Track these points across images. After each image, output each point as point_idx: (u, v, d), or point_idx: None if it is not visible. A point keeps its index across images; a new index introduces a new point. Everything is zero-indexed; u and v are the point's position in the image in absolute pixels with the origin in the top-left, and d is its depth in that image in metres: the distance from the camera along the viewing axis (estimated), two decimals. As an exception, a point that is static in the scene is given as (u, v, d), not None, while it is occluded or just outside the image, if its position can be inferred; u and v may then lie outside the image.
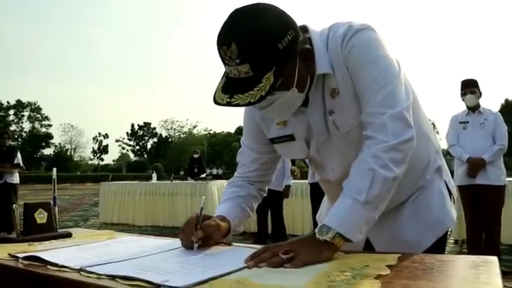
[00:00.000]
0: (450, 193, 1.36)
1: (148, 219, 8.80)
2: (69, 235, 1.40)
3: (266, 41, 1.00)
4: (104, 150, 77.07)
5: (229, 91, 1.04)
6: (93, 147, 76.39)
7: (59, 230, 1.41)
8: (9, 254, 1.09)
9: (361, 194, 1.05)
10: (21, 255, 1.07)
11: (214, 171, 11.34)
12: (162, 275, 0.86)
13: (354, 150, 1.15)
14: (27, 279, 1.02)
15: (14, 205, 1.35)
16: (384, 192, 1.07)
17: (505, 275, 4.08)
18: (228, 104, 1.03)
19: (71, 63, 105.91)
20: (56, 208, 1.40)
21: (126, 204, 9.11)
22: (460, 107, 4.58)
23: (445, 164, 1.39)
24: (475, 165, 4.23)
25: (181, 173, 12.77)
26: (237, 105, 1.02)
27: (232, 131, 77.05)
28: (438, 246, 1.29)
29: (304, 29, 1.16)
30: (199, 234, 1.13)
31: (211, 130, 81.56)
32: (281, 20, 1.05)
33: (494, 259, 0.97)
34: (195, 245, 1.13)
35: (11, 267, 1.04)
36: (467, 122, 4.41)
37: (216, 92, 1.07)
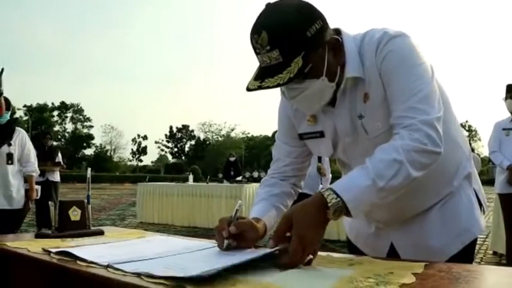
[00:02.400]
0: (480, 202, 1.33)
1: (184, 220, 8.95)
2: (101, 233, 1.45)
3: (294, 28, 1.06)
4: (142, 151, 78.87)
5: (261, 77, 1.09)
6: (132, 149, 78.44)
7: (92, 228, 1.46)
8: (43, 249, 1.14)
9: (381, 180, 1.04)
10: (53, 250, 1.11)
11: (255, 174, 11.38)
12: (185, 272, 0.87)
13: None
14: (57, 273, 1.07)
15: (50, 202, 1.40)
16: (401, 187, 1.06)
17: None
18: (259, 87, 1.08)
19: (112, 66, 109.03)
20: (90, 206, 1.45)
21: (163, 205, 9.29)
22: (506, 113, 4.42)
23: (475, 172, 1.36)
24: (517, 174, 4.07)
25: (220, 175, 12.90)
26: (267, 87, 1.07)
27: (270, 134, 77.12)
28: (465, 255, 1.27)
29: (337, 31, 1.19)
30: (232, 230, 1.10)
31: (249, 133, 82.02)
32: (309, 10, 1.10)
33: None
34: (225, 241, 1.10)
35: (43, 260, 1.09)
36: (511, 129, 4.25)
37: (249, 82, 1.12)
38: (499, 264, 5.08)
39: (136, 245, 1.23)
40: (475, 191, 1.33)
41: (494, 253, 5.52)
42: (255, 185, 9.13)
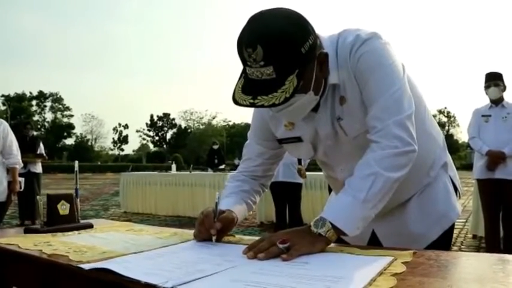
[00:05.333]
0: (455, 188, 1.40)
1: (168, 209, 8.93)
2: (90, 226, 1.44)
3: (291, 45, 1.03)
4: (124, 140, 78.17)
5: (252, 92, 1.06)
6: (113, 138, 77.68)
7: (81, 222, 1.45)
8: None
9: (361, 192, 1.09)
10: (86, 266, 0.93)
11: (237, 162, 11.40)
12: None
13: (361, 152, 1.18)
14: (48, 268, 1.05)
15: (37, 197, 1.39)
16: (384, 193, 1.11)
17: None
18: (252, 105, 1.05)
19: (91, 55, 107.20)
20: (78, 200, 1.44)
21: (146, 195, 9.25)
22: (485, 100, 4.51)
23: (450, 160, 1.43)
24: (495, 158, 4.17)
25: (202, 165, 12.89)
26: (262, 106, 1.04)
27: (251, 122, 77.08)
28: (444, 239, 1.34)
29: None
30: (218, 226, 1.18)
31: (230, 121, 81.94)
32: (303, 25, 1.07)
33: (510, 257, 0.97)
34: (214, 238, 1.17)
35: (35, 257, 1.07)
36: (490, 116, 4.34)
37: (235, 92, 1.09)
38: (478, 247, 5.22)
39: (175, 254, 1.08)
40: (450, 178, 1.39)
41: (474, 236, 5.65)
42: (237, 173, 9.14)
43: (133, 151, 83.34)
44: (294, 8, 1.11)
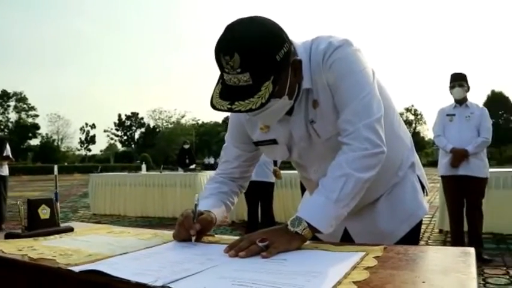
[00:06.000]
0: (423, 186, 1.47)
1: (138, 210, 8.85)
2: (71, 229, 1.45)
3: (267, 53, 1.08)
4: (91, 140, 76.55)
5: (229, 98, 1.11)
6: (80, 138, 75.98)
7: (61, 225, 1.46)
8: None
9: (333, 193, 1.15)
10: (75, 268, 0.94)
11: (211, 161, 11.39)
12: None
13: (334, 154, 1.24)
14: (34, 272, 1.06)
15: (18, 201, 1.39)
16: (355, 192, 1.17)
17: (487, 262, 4.22)
18: (229, 110, 1.10)
19: (57, 53, 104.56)
20: (58, 204, 1.45)
21: (116, 196, 9.14)
22: (450, 99, 4.68)
23: (417, 159, 1.51)
24: (458, 156, 4.33)
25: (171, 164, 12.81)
26: (239, 111, 1.10)
27: (220, 120, 77.00)
28: (413, 235, 1.41)
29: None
30: (197, 227, 1.22)
31: (199, 120, 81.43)
32: (278, 33, 1.13)
33: (471, 250, 1.05)
34: (193, 238, 1.22)
35: (21, 261, 1.08)
36: (454, 115, 4.50)
37: (213, 97, 1.14)
38: (444, 241, 5.41)
39: (160, 254, 1.11)
40: (418, 177, 1.47)
41: (440, 231, 5.87)
42: (208, 172, 9.17)
43: (100, 151, 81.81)
44: (262, 12, 1.17)
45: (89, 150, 77.39)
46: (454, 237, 4.54)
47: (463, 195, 4.42)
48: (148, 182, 8.88)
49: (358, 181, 1.17)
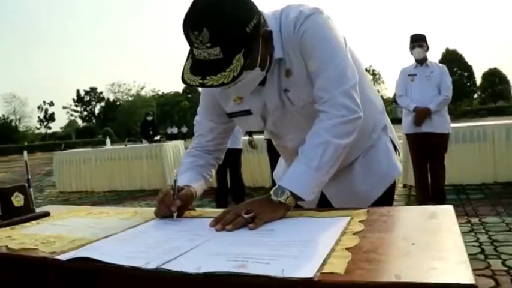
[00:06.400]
0: (395, 147, 1.51)
1: (105, 185, 8.76)
2: (47, 214, 1.41)
3: (236, 26, 1.07)
4: (50, 118, 74.25)
5: (200, 73, 1.09)
6: (38, 116, 73.53)
7: (37, 211, 1.41)
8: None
9: (313, 161, 1.17)
10: (63, 257, 0.92)
11: (174, 130, 11.28)
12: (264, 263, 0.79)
13: (309, 121, 1.25)
14: (19, 265, 1.03)
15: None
16: (334, 159, 1.19)
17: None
18: (202, 85, 1.09)
19: (11, 27, 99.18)
20: (31, 190, 1.40)
21: (82, 172, 8.98)
22: (408, 58, 4.77)
23: (389, 122, 1.54)
24: (421, 115, 4.44)
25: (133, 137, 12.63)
26: (211, 86, 1.09)
27: (181, 90, 76.00)
28: (387, 196, 1.45)
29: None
30: (178, 203, 1.22)
31: (159, 91, 80.00)
32: (248, 5, 1.12)
33: (450, 208, 1.09)
34: (175, 215, 1.22)
35: (4, 254, 1.04)
36: (415, 75, 4.59)
37: (184, 73, 1.13)
38: (409, 195, 5.64)
39: (146, 234, 1.09)
40: (391, 139, 1.50)
41: (404, 186, 6.11)
42: (174, 143, 9.17)
43: (61, 128, 79.48)
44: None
45: (49, 128, 75.13)
46: (419, 192, 4.72)
47: (427, 151, 4.56)
48: (113, 156, 8.76)
49: (337, 147, 1.18)
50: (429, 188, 4.68)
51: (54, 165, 9.41)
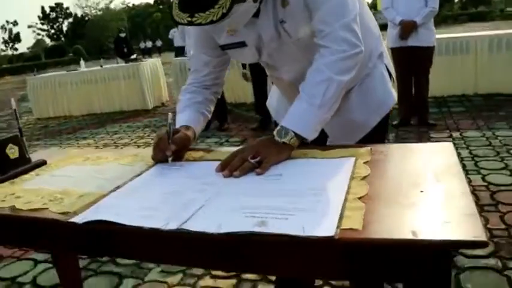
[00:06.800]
0: (390, 75, 1.50)
1: (83, 108, 8.61)
2: (44, 163, 1.38)
3: None
4: (15, 39, 70.92)
5: (188, 9, 1.05)
6: (3, 37, 70.06)
7: (33, 161, 1.38)
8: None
9: (316, 98, 1.15)
10: (78, 220, 0.90)
11: (148, 44, 10.90)
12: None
13: (306, 53, 1.22)
14: (25, 225, 1.02)
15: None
16: (337, 96, 1.18)
17: (432, 127, 4.54)
18: (190, 23, 1.05)
19: None
20: (24, 138, 1.35)
21: (59, 97, 8.73)
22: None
23: (384, 48, 1.51)
24: (407, 28, 4.36)
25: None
26: (200, 24, 1.04)
27: (152, 1, 72.55)
28: (383, 124, 1.47)
29: None
30: (173, 147, 1.21)
31: (129, 3, 76.36)
32: None
33: (450, 145, 1.11)
34: (170, 159, 1.22)
35: (8, 215, 1.03)
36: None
37: (173, 8, 1.08)
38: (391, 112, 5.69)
39: (150, 186, 1.09)
40: (386, 66, 1.48)
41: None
42: (151, 61, 8.92)
43: (28, 49, 76.20)
44: None
45: (16, 49, 71.92)
46: (402, 106, 4.73)
47: (412, 65, 4.53)
48: (90, 78, 8.51)
49: (340, 84, 1.16)
50: (412, 101, 4.72)
51: (28, 90, 9.08)
